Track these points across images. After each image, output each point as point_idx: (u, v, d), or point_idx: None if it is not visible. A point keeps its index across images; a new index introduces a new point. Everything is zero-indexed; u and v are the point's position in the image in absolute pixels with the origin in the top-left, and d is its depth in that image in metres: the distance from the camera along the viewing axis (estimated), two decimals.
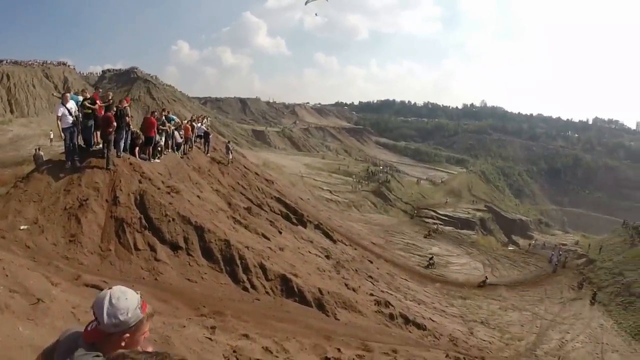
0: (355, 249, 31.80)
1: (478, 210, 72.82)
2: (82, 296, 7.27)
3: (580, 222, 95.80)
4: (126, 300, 2.10)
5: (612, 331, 31.66)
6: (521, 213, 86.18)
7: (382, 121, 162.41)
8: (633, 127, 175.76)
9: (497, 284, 37.80)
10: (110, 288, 2.15)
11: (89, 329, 2.14)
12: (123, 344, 2.10)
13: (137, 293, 2.19)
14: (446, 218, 63.95)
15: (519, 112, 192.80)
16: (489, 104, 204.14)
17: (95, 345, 2.11)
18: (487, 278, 37.25)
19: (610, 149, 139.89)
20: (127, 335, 2.12)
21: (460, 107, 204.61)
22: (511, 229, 72.43)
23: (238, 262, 14.15)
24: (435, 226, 55.73)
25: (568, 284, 39.56)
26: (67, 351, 2.12)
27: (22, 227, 11.39)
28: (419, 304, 26.46)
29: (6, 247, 9.97)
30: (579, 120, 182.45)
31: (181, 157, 21.14)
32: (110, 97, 15.87)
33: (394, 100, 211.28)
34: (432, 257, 41.35)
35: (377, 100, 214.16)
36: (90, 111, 13.96)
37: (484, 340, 24.56)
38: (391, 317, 18.86)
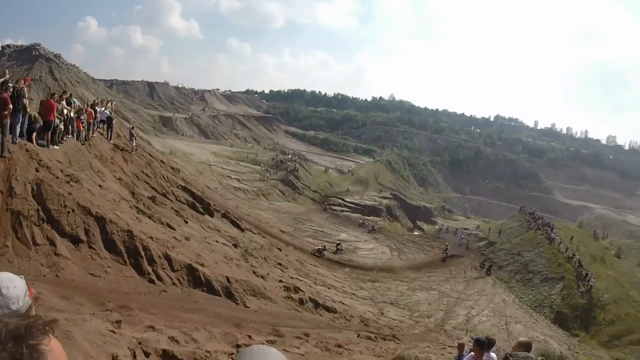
0: (264, 237, 32.02)
1: (384, 198, 75.50)
2: None
3: (481, 208, 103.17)
4: (15, 288, 2.05)
5: (514, 305, 34.69)
6: (425, 200, 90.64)
7: (292, 110, 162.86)
8: (531, 125, 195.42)
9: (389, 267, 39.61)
10: None
11: None
12: None
13: (22, 277, 2.17)
14: (353, 205, 65.80)
15: (425, 107, 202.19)
16: (397, 98, 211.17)
17: None
18: (324, 247, 38.68)
19: (510, 144, 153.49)
20: None
21: (369, 99, 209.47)
22: (416, 215, 76.05)
23: (142, 253, 13.84)
24: (372, 224, 57.25)
25: (471, 264, 42.54)
26: None
27: None
28: (329, 289, 27.18)
29: None
30: (482, 117, 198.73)
31: (82, 144, 20.17)
32: (6, 75, 14.74)
33: (304, 90, 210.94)
34: (340, 243, 42.46)
35: (288, 90, 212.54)
36: None
37: (395, 320, 25.84)
38: (301, 302, 19.28)
